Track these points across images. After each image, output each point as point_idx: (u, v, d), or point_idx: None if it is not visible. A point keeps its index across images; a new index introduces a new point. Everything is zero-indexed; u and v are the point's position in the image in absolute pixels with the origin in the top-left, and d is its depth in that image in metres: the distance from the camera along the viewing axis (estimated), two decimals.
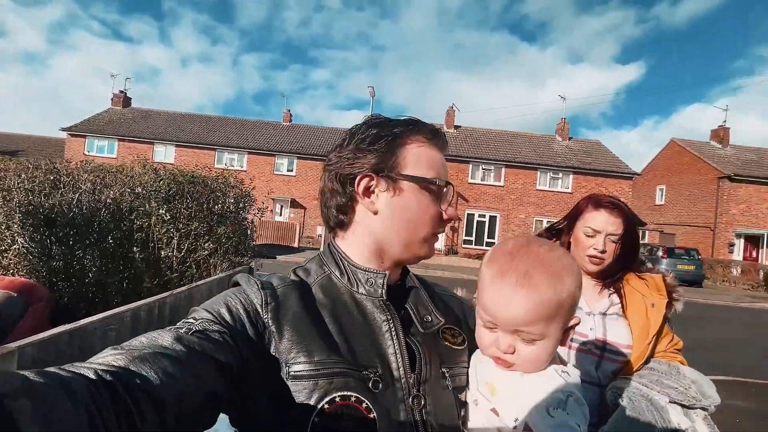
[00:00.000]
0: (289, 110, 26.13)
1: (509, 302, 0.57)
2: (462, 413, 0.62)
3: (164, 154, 22.68)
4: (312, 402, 0.51)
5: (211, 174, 3.40)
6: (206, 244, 2.98)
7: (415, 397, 0.58)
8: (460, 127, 23.87)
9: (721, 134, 23.77)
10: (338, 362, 0.54)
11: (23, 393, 0.26)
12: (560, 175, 21.26)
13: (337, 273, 0.65)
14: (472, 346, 0.69)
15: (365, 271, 0.64)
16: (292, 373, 0.53)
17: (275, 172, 22.10)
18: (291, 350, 0.54)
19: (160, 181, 2.96)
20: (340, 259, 0.66)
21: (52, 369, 0.33)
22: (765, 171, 20.72)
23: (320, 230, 19.35)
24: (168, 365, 0.41)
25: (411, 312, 0.67)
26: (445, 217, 0.67)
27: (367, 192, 0.65)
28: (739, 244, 20.72)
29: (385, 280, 0.64)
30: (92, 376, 0.35)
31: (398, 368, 0.58)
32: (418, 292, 0.71)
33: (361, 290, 0.63)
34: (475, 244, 20.46)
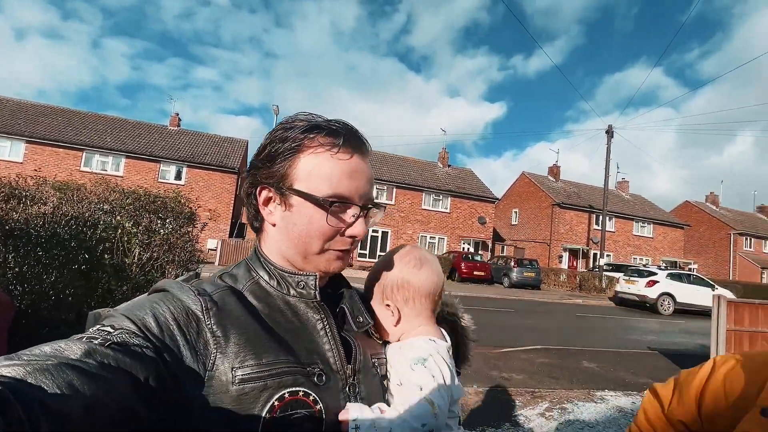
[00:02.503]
0: (178, 114, 24.31)
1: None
2: (386, 397, 0.66)
3: (8, 150, 18.76)
4: (261, 401, 0.51)
5: (163, 192, 3.87)
6: (166, 254, 3.46)
7: (352, 385, 0.60)
8: None
9: (554, 171, 30.78)
10: (286, 362, 0.55)
11: None
12: (441, 197, 24.77)
13: (266, 277, 0.64)
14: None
15: (294, 274, 0.63)
16: (240, 376, 0.52)
17: (160, 180, 20.31)
18: (238, 354, 0.53)
19: (126, 199, 3.36)
20: (266, 264, 0.65)
21: None
22: (582, 201, 27.57)
23: (212, 243, 18.50)
24: (74, 378, 0.37)
25: (347, 311, 0.69)
26: (349, 233, 0.63)
27: (266, 203, 0.64)
28: (565, 256, 26.98)
29: (317, 282, 0.63)
30: None
31: (335, 362, 0.60)
32: (352, 294, 0.73)
33: (293, 292, 0.63)
34: (369, 257, 22.14)
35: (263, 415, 0.51)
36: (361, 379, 0.63)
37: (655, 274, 14.75)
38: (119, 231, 3.28)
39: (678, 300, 14.15)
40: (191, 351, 0.52)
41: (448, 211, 24.82)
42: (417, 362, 0.65)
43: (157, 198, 3.57)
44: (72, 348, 0.42)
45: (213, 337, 0.54)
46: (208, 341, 0.53)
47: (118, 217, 3.31)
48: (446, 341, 0.73)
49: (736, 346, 5.51)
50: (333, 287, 0.72)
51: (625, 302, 15.36)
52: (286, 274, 0.64)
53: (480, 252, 24.09)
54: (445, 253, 22.01)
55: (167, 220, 3.71)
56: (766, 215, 37.51)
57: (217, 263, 16.08)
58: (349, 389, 0.60)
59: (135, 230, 3.33)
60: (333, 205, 0.60)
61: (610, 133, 21.74)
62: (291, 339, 0.59)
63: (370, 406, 0.60)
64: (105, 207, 3.17)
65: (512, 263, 19.58)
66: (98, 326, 0.50)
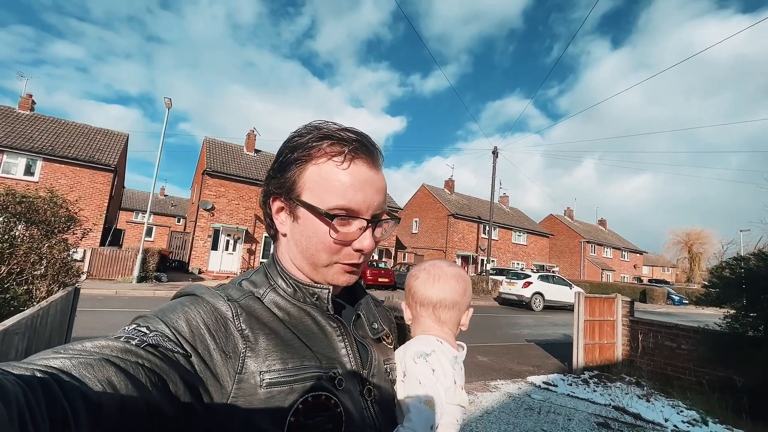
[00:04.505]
0: (31, 96, 19.91)
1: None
2: (395, 398, 0.68)
3: None
4: (287, 404, 0.52)
5: (37, 194, 3.09)
6: (37, 265, 2.77)
7: (367, 389, 0.62)
8: (261, 151, 24.37)
9: (450, 184, 33.70)
10: (309, 367, 0.56)
11: None
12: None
13: (283, 285, 0.64)
14: (397, 346, 0.78)
15: (309, 286, 0.64)
16: (268, 380, 0.53)
17: (2, 174, 16.32)
18: (266, 359, 0.54)
19: None
20: (282, 272, 0.65)
21: None
22: (472, 212, 30.69)
23: (78, 253, 15.49)
24: (113, 375, 0.39)
25: (362, 316, 0.71)
26: (356, 246, 0.61)
27: (279, 212, 0.65)
28: (459, 262, 29.57)
29: (330, 294, 0.64)
30: (29, 376, 0.34)
31: (353, 367, 0.62)
32: (367, 300, 0.75)
33: (308, 301, 0.64)
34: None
35: (289, 417, 0.52)
36: (375, 383, 0.65)
37: (529, 276, 17.20)
38: None
39: (546, 298, 16.74)
40: (221, 354, 0.53)
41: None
42: (420, 356, 0.69)
43: (24, 198, 2.89)
44: (111, 346, 0.44)
45: (243, 340, 0.55)
46: (237, 345, 0.54)
47: None
48: (459, 351, 0.76)
49: (591, 332, 6.80)
50: (349, 293, 0.73)
51: (507, 302, 17.53)
52: (302, 285, 0.65)
53: (384, 259, 24.92)
54: None
55: (38, 226, 3.04)
56: (604, 227, 46.93)
57: (84, 277, 13.53)
58: (365, 392, 0.62)
59: None
60: (336, 218, 0.59)
61: (495, 153, 24.80)
62: (311, 344, 0.60)
63: (382, 410, 0.63)
64: None
65: None
66: (134, 326, 0.50)
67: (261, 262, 0.71)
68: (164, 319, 0.52)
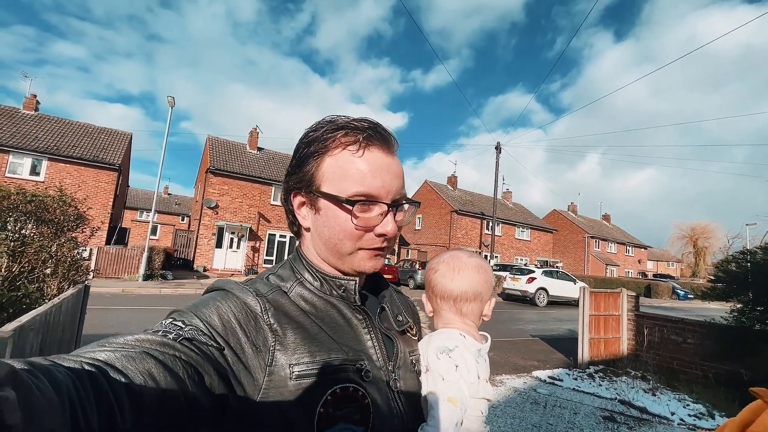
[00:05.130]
0: (36, 96, 20.02)
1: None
2: (421, 389, 0.68)
3: None
4: (317, 395, 0.54)
5: (47, 192, 3.12)
6: (48, 263, 2.81)
7: (393, 380, 0.63)
8: (263, 149, 24.41)
9: (453, 180, 33.64)
10: (336, 359, 0.57)
11: (9, 382, 0.25)
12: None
13: (310, 279, 0.65)
14: (421, 337, 0.78)
15: (335, 278, 0.65)
16: (297, 372, 0.54)
17: (9, 174, 16.47)
18: (295, 351, 0.55)
19: None
20: (308, 266, 0.66)
21: (38, 359, 0.33)
22: (475, 209, 30.65)
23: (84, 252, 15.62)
24: (153, 367, 0.41)
25: (387, 308, 0.72)
26: (378, 231, 0.62)
27: (300, 207, 0.66)
28: None
29: (357, 286, 0.65)
30: (78, 368, 0.35)
31: (378, 359, 0.63)
32: (391, 293, 0.77)
33: (335, 293, 0.65)
34: (276, 263, 21.11)
35: (318, 408, 0.54)
36: (401, 375, 0.66)
37: (533, 272, 17.18)
38: None
39: (550, 293, 16.73)
40: (252, 348, 0.55)
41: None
42: (443, 351, 0.68)
43: (34, 197, 2.93)
44: (151, 340, 0.46)
45: (273, 334, 0.56)
46: (267, 339, 0.56)
47: None
48: (482, 343, 0.75)
49: (596, 327, 6.80)
50: (372, 285, 0.75)
51: (510, 297, 17.51)
52: (328, 278, 0.66)
53: (387, 256, 24.93)
54: None
55: (48, 225, 3.07)
56: (608, 222, 46.74)
57: (92, 276, 13.64)
58: (391, 384, 0.63)
59: (1, 237, 2.71)
60: (356, 204, 0.60)
61: (498, 149, 24.71)
62: (338, 337, 0.61)
63: (408, 401, 0.64)
64: None
65: (417, 266, 20.81)
66: (170, 320, 0.52)
67: (287, 258, 0.73)
68: (198, 314, 0.54)
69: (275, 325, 0.57)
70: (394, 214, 0.64)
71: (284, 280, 0.66)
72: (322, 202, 0.63)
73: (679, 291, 28.11)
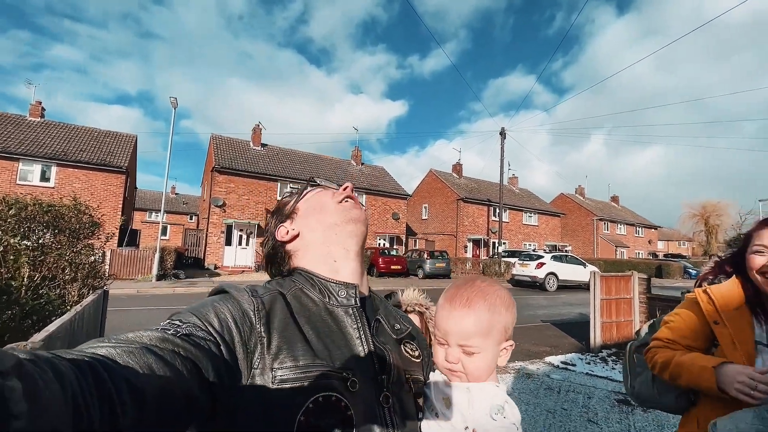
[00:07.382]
0: (41, 103, 20.20)
1: (457, 320, 0.70)
2: (420, 415, 0.68)
3: None
4: (297, 403, 0.53)
5: (61, 200, 3.20)
6: (66, 270, 2.90)
7: (385, 396, 0.62)
8: (267, 145, 24.45)
9: (458, 168, 33.45)
10: (321, 366, 0.57)
11: (15, 373, 0.26)
12: (356, 194, 24.93)
13: (308, 285, 0.69)
14: (425, 361, 0.76)
15: (337, 283, 0.68)
16: (279, 376, 0.54)
17: (20, 182, 16.73)
18: (278, 355, 0.56)
19: (9, 209, 2.69)
20: (309, 276, 0.70)
21: (41, 352, 0.34)
22: (481, 196, 30.52)
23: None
24: (152, 362, 0.43)
25: (382, 320, 0.72)
26: (339, 191, 0.80)
27: (284, 234, 0.77)
28: (470, 246, 29.64)
29: (357, 291, 0.68)
30: (80, 360, 0.36)
31: (370, 370, 0.62)
32: (385, 303, 0.79)
33: (333, 301, 0.67)
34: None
35: (299, 416, 0.53)
36: (395, 392, 0.64)
37: (542, 257, 17.15)
38: (0, 248, 2.72)
39: (560, 278, 16.71)
40: (243, 348, 0.56)
41: (363, 208, 25.13)
42: (497, 411, 0.66)
43: (50, 207, 3.00)
44: (150, 335, 0.48)
45: (259, 337, 0.58)
46: (257, 341, 0.57)
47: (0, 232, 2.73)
48: (503, 385, 0.74)
49: (608, 311, 6.80)
50: (366, 302, 0.74)
51: (520, 283, 17.55)
52: (330, 283, 0.70)
53: (395, 246, 25.06)
54: None
55: (64, 233, 3.15)
56: (617, 203, 46.27)
57: (111, 281, 13.90)
58: (382, 399, 0.62)
59: (22, 246, 2.79)
60: (313, 183, 0.87)
61: (503, 134, 24.47)
62: (328, 344, 0.62)
63: (403, 420, 0.63)
64: None
65: (425, 255, 20.83)
66: (168, 320, 0.55)
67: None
68: (195, 313, 0.57)
69: (262, 327, 0.58)
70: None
71: (283, 285, 0.69)
72: (300, 206, 0.80)
73: (691, 270, 27.91)
